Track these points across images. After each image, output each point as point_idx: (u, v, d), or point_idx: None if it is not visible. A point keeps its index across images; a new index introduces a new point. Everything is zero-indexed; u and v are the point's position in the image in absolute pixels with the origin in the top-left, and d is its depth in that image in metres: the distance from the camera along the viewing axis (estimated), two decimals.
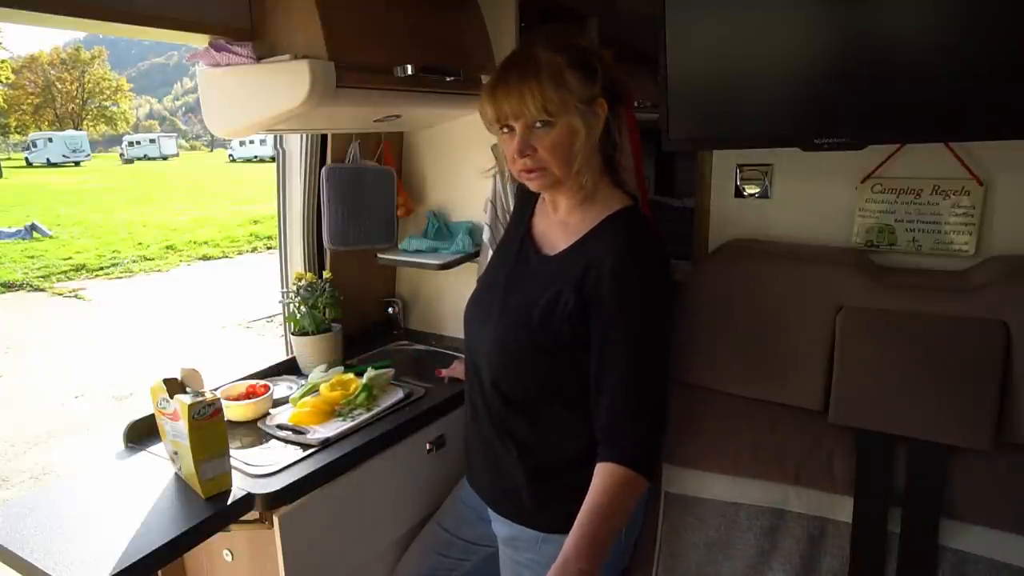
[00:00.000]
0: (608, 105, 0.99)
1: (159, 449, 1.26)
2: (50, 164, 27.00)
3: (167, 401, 1.09)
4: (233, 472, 1.16)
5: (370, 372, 1.47)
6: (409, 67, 1.26)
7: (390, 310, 1.98)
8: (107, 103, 44.27)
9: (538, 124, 0.96)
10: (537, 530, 1.07)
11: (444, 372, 1.57)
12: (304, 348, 1.61)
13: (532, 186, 1.02)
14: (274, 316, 5.60)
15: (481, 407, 1.11)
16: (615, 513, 0.94)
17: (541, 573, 1.04)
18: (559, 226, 1.07)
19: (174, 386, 1.10)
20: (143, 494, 1.12)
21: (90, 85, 43.22)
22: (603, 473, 0.94)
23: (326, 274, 1.70)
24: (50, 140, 28.06)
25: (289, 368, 1.65)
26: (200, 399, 1.06)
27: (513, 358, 1.04)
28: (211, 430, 1.08)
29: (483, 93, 1.00)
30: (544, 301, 1.00)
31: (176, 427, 1.09)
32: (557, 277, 1.01)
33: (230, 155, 30.69)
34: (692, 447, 1.19)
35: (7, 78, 31.14)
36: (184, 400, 1.05)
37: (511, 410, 1.06)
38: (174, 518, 1.04)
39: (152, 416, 1.33)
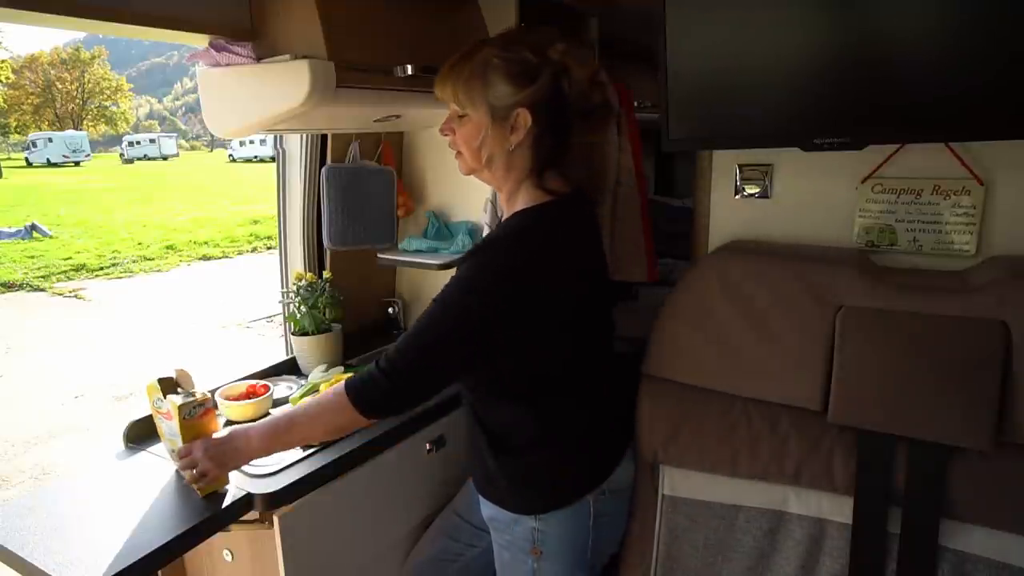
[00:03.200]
0: (540, 116, 0.98)
1: (159, 449, 1.26)
2: (50, 164, 27.00)
3: (162, 400, 1.10)
4: (233, 472, 1.16)
5: None
6: (409, 67, 1.26)
7: (390, 310, 1.98)
8: (107, 103, 44.25)
9: (458, 112, 1.02)
10: (510, 511, 1.11)
11: None
12: (304, 348, 1.61)
13: (459, 168, 1.07)
14: (274, 316, 5.61)
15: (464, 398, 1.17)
16: (307, 415, 1.04)
17: (517, 554, 1.11)
18: None
19: (168, 385, 1.10)
20: (143, 494, 1.12)
21: (90, 85, 43.21)
22: (330, 388, 1.03)
23: (326, 274, 1.69)
24: (50, 140, 28.04)
25: (289, 368, 1.65)
26: (190, 399, 1.06)
27: None
28: (203, 429, 1.08)
29: None
30: None
31: (171, 426, 1.10)
32: None
33: (230, 155, 30.69)
34: (691, 448, 1.19)
35: (7, 78, 31.13)
36: (175, 401, 1.06)
37: (475, 402, 1.11)
38: (174, 518, 1.04)
39: (151, 416, 1.33)
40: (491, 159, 1.02)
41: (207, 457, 1.04)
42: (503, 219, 1.07)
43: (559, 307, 1.01)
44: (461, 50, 1.02)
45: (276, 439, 1.05)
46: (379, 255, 1.80)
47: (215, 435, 1.08)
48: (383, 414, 1.04)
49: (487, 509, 1.16)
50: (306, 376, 1.58)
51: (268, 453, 1.07)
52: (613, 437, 1.19)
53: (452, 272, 1.70)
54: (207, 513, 1.05)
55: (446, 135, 1.05)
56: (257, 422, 1.07)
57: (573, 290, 1.03)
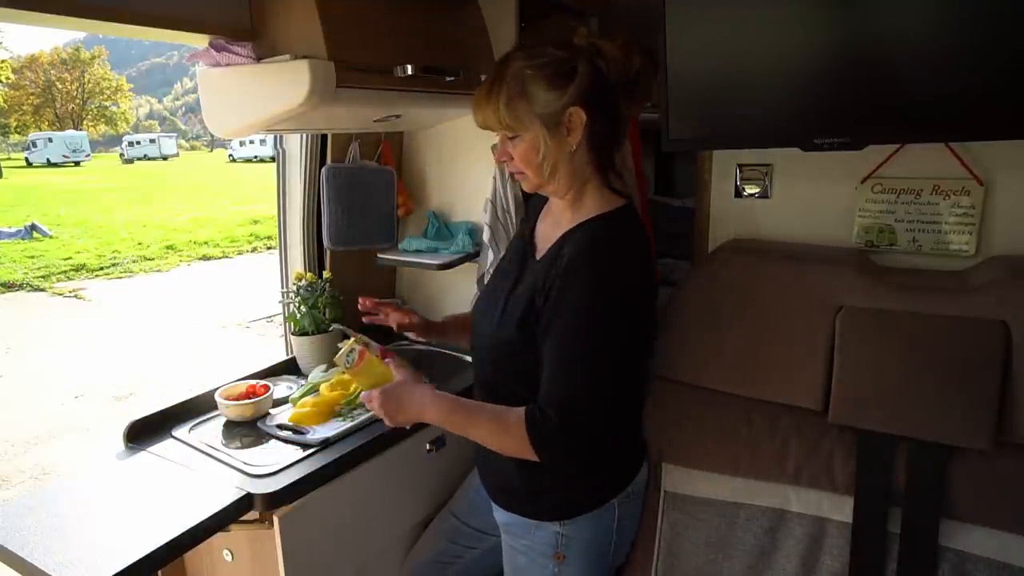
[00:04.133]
0: (591, 108, 0.95)
1: (159, 449, 1.26)
2: (50, 164, 26.95)
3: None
4: (233, 472, 1.17)
5: None
6: (409, 67, 1.26)
7: None
8: (107, 103, 44.20)
9: (508, 135, 0.99)
10: (530, 518, 1.09)
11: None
12: (304, 348, 1.61)
13: (523, 187, 1.06)
14: (274, 316, 5.61)
15: (482, 402, 1.13)
16: (487, 419, 0.99)
17: (535, 558, 1.10)
18: (553, 225, 1.08)
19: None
20: (143, 494, 1.12)
21: (90, 85, 43.17)
22: (514, 410, 0.97)
23: (326, 274, 1.69)
24: (50, 140, 27.99)
25: (289, 368, 1.65)
26: (342, 351, 1.07)
27: (502, 360, 1.06)
28: (368, 371, 1.08)
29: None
30: (523, 305, 1.01)
31: None
32: (537, 281, 1.01)
33: (230, 155, 30.67)
34: (692, 447, 1.19)
35: (7, 78, 31.12)
36: (336, 357, 1.08)
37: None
38: (174, 518, 1.04)
39: (151, 416, 1.34)
40: (555, 169, 0.99)
41: (382, 409, 1.03)
42: (572, 227, 1.02)
43: (644, 314, 1.02)
44: (488, 76, 0.99)
45: (448, 422, 1.02)
46: (379, 255, 1.80)
47: (395, 382, 1.05)
48: (555, 450, 0.95)
49: (502, 516, 1.14)
50: (306, 376, 1.58)
51: (438, 425, 1.04)
52: (638, 440, 1.19)
53: (451, 272, 1.72)
54: (207, 513, 1.05)
55: (504, 162, 1.03)
56: (442, 395, 1.03)
57: (651, 296, 1.03)
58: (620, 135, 1.06)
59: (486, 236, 1.63)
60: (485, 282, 1.47)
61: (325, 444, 1.26)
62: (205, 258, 9.06)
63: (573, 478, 1.07)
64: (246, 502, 1.10)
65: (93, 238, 10.09)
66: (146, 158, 31.79)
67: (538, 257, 1.07)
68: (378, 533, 1.36)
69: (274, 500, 1.11)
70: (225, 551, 1.27)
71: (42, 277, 7.81)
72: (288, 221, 1.76)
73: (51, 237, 10.09)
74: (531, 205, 1.22)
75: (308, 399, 1.40)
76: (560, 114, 0.95)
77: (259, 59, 1.19)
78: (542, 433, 0.94)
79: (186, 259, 8.95)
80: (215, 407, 1.38)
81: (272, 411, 1.41)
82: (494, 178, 1.62)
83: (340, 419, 1.36)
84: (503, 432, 0.97)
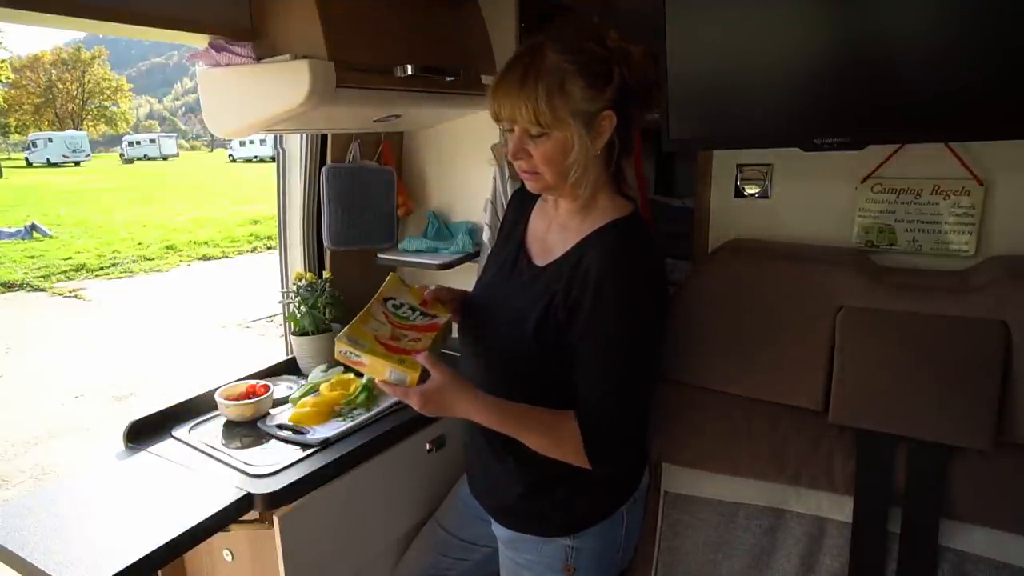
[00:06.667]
0: (619, 113, 0.93)
1: (159, 449, 1.26)
2: (50, 164, 26.98)
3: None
4: (233, 472, 1.17)
5: None
6: (409, 67, 1.26)
7: None
8: (107, 103, 44.24)
9: (533, 131, 0.92)
10: (537, 535, 1.07)
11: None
12: (304, 348, 1.61)
13: (528, 186, 1.01)
14: (274, 316, 5.61)
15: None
16: (537, 425, 0.97)
17: (544, 572, 1.07)
18: (558, 230, 1.04)
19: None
20: (143, 494, 1.12)
21: (90, 85, 43.21)
22: (566, 420, 0.95)
23: (326, 274, 1.70)
24: (50, 140, 28.02)
25: (289, 368, 1.65)
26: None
27: (508, 370, 1.03)
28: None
29: (489, 87, 0.96)
30: (536, 313, 0.97)
31: None
32: (548, 288, 0.98)
33: (230, 155, 30.69)
34: (692, 447, 1.20)
35: (7, 78, 31.13)
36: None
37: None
38: (174, 518, 1.04)
39: (151, 416, 1.34)
40: (581, 173, 0.94)
41: (420, 409, 0.96)
42: (587, 234, 0.99)
43: (666, 315, 1.03)
44: (518, 62, 0.92)
45: (497, 424, 0.98)
46: (379, 255, 1.80)
47: (436, 384, 0.96)
48: (608, 461, 0.97)
49: (504, 532, 1.12)
50: (306, 376, 1.59)
51: (485, 424, 0.99)
52: (644, 444, 1.19)
53: (451, 272, 1.72)
54: (207, 513, 1.06)
55: (519, 159, 0.96)
56: (487, 403, 0.97)
57: (667, 297, 1.04)
58: (633, 144, 1.04)
59: (486, 236, 1.63)
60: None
61: (325, 444, 1.26)
62: (205, 258, 9.06)
63: (581, 493, 1.04)
64: (246, 502, 1.10)
65: (93, 238, 10.09)
66: (146, 158, 31.81)
67: (541, 264, 1.04)
68: (379, 533, 1.36)
69: (274, 500, 1.12)
70: (225, 551, 1.27)
71: (42, 277, 7.81)
72: (288, 221, 1.76)
73: (51, 237, 10.09)
74: (509, 210, 1.19)
75: (308, 399, 1.40)
76: (595, 116, 0.91)
77: (259, 59, 1.19)
78: (597, 446, 0.94)
79: (186, 259, 8.95)
80: (215, 407, 1.38)
81: (272, 411, 1.41)
82: (494, 178, 1.62)
83: (340, 419, 1.36)
84: (556, 444, 0.97)
